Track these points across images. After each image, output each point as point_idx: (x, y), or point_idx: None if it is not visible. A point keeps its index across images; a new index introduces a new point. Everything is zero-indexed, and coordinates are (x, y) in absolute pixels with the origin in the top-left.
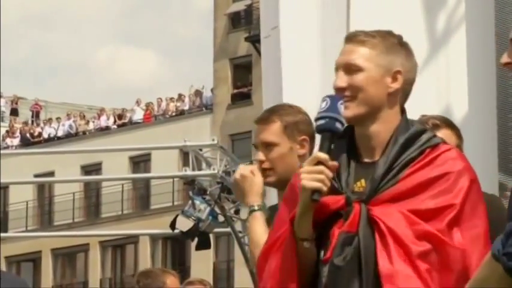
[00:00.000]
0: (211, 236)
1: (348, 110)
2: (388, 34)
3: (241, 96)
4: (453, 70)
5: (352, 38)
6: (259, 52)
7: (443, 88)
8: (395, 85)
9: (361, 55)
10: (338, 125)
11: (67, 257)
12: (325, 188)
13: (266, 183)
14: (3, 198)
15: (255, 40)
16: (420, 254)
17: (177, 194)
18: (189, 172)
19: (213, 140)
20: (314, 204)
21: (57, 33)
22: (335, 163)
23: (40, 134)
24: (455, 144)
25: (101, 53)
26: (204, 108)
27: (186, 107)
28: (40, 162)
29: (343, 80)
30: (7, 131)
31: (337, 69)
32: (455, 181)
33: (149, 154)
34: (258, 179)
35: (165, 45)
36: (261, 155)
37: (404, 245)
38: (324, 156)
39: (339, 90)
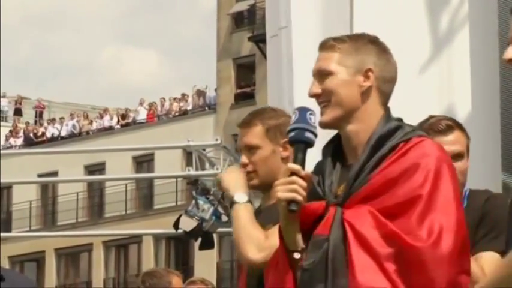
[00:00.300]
0: (214, 235)
1: (324, 116)
2: (359, 35)
3: (245, 96)
4: (456, 70)
5: (323, 45)
6: (262, 52)
7: (446, 88)
8: (367, 83)
9: (331, 60)
10: (308, 134)
11: (70, 256)
12: (299, 197)
13: (249, 186)
14: (6, 198)
15: (258, 40)
16: (388, 256)
17: (181, 194)
18: (192, 172)
19: (217, 139)
20: (293, 215)
21: (60, 33)
22: (308, 172)
23: (43, 134)
24: (466, 144)
25: (104, 54)
26: (207, 108)
27: (190, 107)
28: (43, 162)
29: (316, 87)
30: (10, 131)
31: (313, 77)
32: (423, 171)
33: (152, 154)
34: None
35: (169, 45)
36: (244, 158)
37: (371, 249)
38: (296, 167)
39: (314, 96)
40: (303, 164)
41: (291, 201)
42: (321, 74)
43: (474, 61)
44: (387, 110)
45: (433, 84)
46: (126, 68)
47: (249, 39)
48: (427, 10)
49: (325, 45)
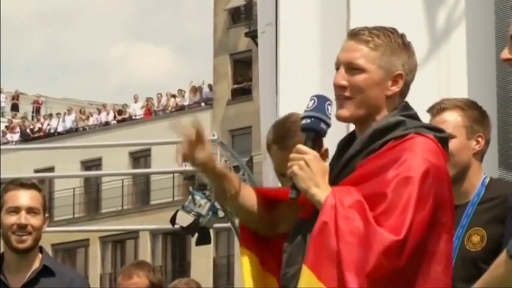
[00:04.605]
0: (211, 231)
1: (344, 110)
2: (393, 34)
3: (241, 92)
4: (453, 66)
5: (356, 35)
6: None
7: (443, 84)
8: (395, 88)
9: (363, 55)
10: (323, 125)
11: (67, 252)
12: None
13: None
14: None
15: (255, 35)
16: None
17: (177, 189)
18: (188, 167)
19: (213, 135)
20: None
21: (70, 31)
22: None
23: (40, 130)
24: (461, 124)
25: (112, 52)
26: (204, 104)
27: (186, 103)
28: (40, 157)
29: (343, 78)
30: (7, 126)
31: (337, 65)
32: (397, 167)
33: (149, 149)
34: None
35: (177, 43)
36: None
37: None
38: (302, 147)
39: (338, 87)
40: None
41: (293, 188)
42: (350, 67)
43: (471, 58)
44: (400, 105)
45: (430, 81)
46: (131, 65)
47: (246, 34)
48: (424, 7)
49: (359, 37)
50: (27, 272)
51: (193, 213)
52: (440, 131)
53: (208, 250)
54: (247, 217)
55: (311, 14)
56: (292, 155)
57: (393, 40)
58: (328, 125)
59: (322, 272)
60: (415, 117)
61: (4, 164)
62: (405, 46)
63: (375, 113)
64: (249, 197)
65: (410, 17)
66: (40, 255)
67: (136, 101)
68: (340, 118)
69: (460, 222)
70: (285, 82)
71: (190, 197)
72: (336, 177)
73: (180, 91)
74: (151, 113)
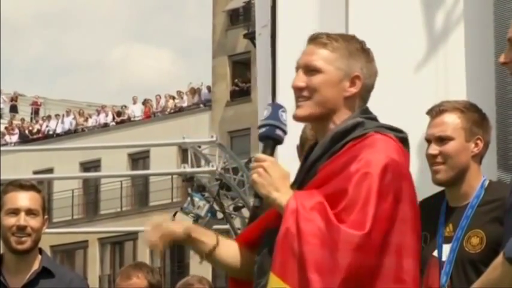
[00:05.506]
0: None
1: (301, 109)
2: (352, 39)
3: (240, 93)
4: (451, 67)
5: (315, 40)
6: None
7: (442, 85)
8: (353, 89)
9: (321, 57)
10: (278, 132)
11: (66, 253)
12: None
13: None
14: None
15: (253, 37)
16: None
17: (176, 191)
18: (187, 169)
19: (212, 137)
20: (259, 211)
21: (70, 32)
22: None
23: (39, 131)
24: (459, 126)
25: (111, 53)
26: (202, 105)
27: (185, 104)
28: (39, 159)
29: (301, 80)
30: (6, 128)
31: (297, 69)
32: (357, 163)
33: (148, 151)
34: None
35: (177, 45)
36: None
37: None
38: (261, 155)
39: (297, 89)
40: None
41: (256, 197)
42: (308, 69)
43: (469, 58)
44: (360, 109)
45: (429, 82)
46: (131, 66)
47: (245, 36)
48: (422, 7)
49: (317, 41)
50: (27, 273)
51: (192, 214)
52: (400, 131)
53: None
54: (230, 269)
55: (309, 15)
56: (252, 165)
57: (351, 44)
58: (285, 132)
59: (289, 276)
60: (374, 119)
61: (3, 166)
62: (364, 51)
63: (332, 114)
64: (228, 250)
65: (408, 18)
66: (39, 257)
67: (135, 103)
68: (296, 118)
69: (459, 224)
70: (283, 83)
71: (189, 198)
72: (300, 183)
73: (179, 92)
74: (150, 115)
